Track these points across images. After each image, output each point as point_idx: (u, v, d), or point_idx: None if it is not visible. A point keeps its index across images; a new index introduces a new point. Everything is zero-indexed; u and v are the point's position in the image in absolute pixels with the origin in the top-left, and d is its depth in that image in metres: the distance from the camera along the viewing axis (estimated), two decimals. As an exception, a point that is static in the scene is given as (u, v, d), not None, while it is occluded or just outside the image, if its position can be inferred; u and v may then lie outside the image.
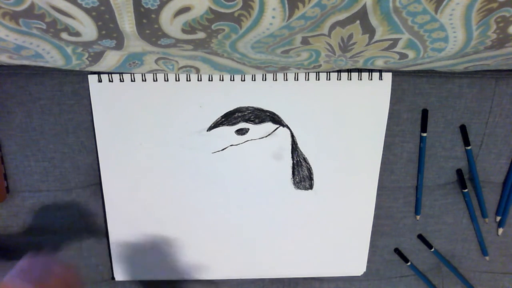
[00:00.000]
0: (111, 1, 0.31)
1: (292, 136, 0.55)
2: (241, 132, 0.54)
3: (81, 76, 0.51)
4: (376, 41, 0.38)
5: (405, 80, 0.53)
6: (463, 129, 0.56)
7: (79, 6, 0.32)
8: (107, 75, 0.51)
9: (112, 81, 0.51)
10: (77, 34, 0.35)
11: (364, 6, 0.34)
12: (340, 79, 0.52)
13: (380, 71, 0.52)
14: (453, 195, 0.60)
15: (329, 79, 0.52)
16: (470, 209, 0.61)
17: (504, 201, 0.60)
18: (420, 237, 0.62)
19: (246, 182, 0.56)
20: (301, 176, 0.56)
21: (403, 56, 0.41)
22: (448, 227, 0.62)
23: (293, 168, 0.56)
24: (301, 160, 0.56)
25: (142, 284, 0.62)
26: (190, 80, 0.51)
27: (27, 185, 0.55)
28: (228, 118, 0.53)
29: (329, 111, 0.54)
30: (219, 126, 0.54)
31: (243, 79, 0.52)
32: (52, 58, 0.41)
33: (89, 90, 0.51)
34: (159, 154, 0.54)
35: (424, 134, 0.56)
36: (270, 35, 0.36)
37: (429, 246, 0.62)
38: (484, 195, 0.60)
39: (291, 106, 0.53)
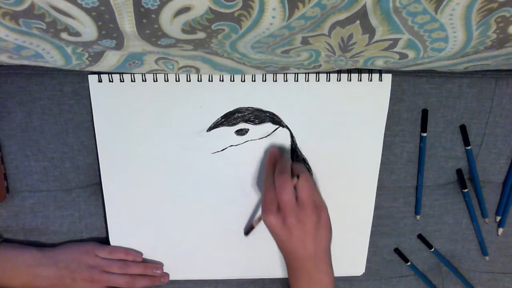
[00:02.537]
0: (111, 1, 0.31)
1: (292, 136, 0.55)
2: (241, 132, 0.54)
3: (81, 76, 0.51)
4: (376, 41, 0.38)
5: (405, 80, 0.53)
6: (463, 129, 0.56)
7: (79, 6, 0.32)
8: (107, 75, 0.51)
9: (112, 81, 0.51)
10: (77, 34, 0.35)
11: (364, 6, 0.34)
12: (340, 80, 0.52)
13: (380, 72, 0.52)
14: (453, 195, 0.60)
15: (329, 80, 0.52)
16: (470, 209, 0.61)
17: (504, 201, 0.60)
18: (420, 237, 0.62)
19: (245, 182, 0.56)
20: (301, 176, 0.56)
21: (403, 56, 0.41)
22: (448, 227, 0.62)
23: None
24: (301, 161, 0.56)
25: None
26: (190, 81, 0.51)
27: (27, 185, 0.55)
28: (228, 119, 0.53)
29: (328, 112, 0.54)
30: (219, 127, 0.54)
31: (243, 80, 0.52)
32: (52, 58, 0.41)
33: (89, 90, 0.51)
34: (159, 154, 0.54)
35: (424, 134, 0.56)
36: (270, 35, 0.36)
37: (429, 246, 0.62)
38: (484, 195, 0.60)
39: (291, 106, 0.53)
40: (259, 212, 0.58)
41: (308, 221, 0.47)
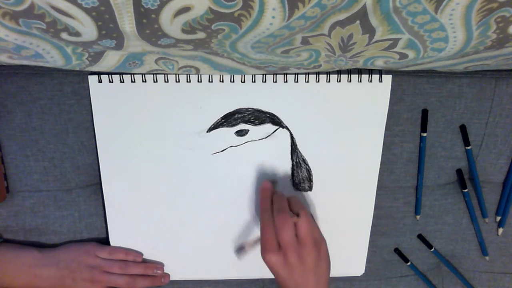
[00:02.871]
0: (111, 1, 0.31)
1: (292, 137, 0.55)
2: (241, 133, 0.54)
3: (81, 76, 0.51)
4: (376, 41, 0.38)
5: (405, 80, 0.53)
6: (463, 129, 0.56)
7: (79, 6, 0.32)
8: (107, 76, 0.51)
9: (112, 82, 0.51)
10: (77, 34, 0.35)
11: (364, 6, 0.34)
12: (340, 81, 0.52)
13: (380, 73, 0.52)
14: (453, 195, 0.60)
15: (329, 81, 0.52)
16: (470, 209, 0.61)
17: (504, 201, 0.60)
18: (420, 237, 0.62)
19: (245, 183, 0.56)
20: (301, 177, 0.56)
21: (403, 56, 0.41)
22: (448, 227, 0.62)
23: (293, 169, 0.56)
24: (301, 162, 0.56)
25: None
26: (190, 81, 0.51)
27: (27, 185, 0.55)
28: (228, 119, 0.53)
29: (328, 112, 0.54)
30: (219, 127, 0.54)
31: (243, 81, 0.52)
32: (52, 58, 0.41)
33: (89, 90, 0.51)
34: (159, 154, 0.54)
35: (424, 134, 0.56)
36: (270, 35, 0.36)
37: (429, 246, 0.62)
38: (484, 195, 0.60)
39: (291, 107, 0.53)
40: (253, 235, 0.58)
41: (309, 258, 0.47)
